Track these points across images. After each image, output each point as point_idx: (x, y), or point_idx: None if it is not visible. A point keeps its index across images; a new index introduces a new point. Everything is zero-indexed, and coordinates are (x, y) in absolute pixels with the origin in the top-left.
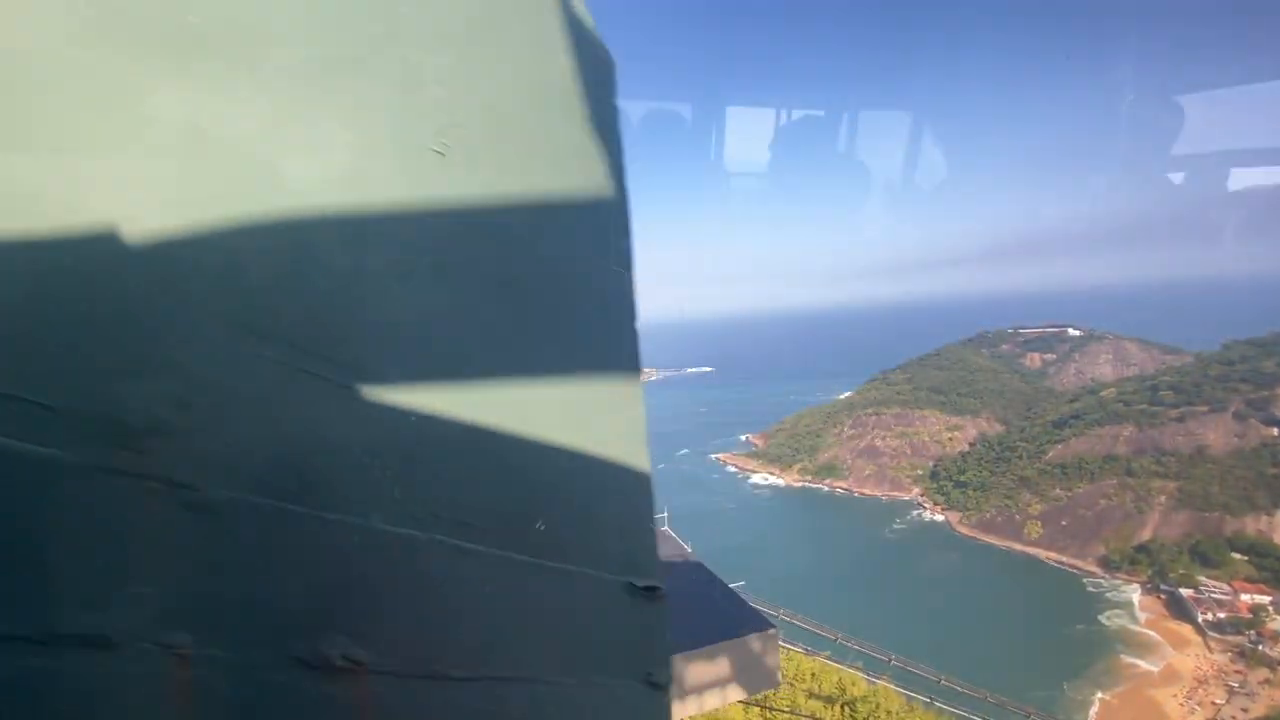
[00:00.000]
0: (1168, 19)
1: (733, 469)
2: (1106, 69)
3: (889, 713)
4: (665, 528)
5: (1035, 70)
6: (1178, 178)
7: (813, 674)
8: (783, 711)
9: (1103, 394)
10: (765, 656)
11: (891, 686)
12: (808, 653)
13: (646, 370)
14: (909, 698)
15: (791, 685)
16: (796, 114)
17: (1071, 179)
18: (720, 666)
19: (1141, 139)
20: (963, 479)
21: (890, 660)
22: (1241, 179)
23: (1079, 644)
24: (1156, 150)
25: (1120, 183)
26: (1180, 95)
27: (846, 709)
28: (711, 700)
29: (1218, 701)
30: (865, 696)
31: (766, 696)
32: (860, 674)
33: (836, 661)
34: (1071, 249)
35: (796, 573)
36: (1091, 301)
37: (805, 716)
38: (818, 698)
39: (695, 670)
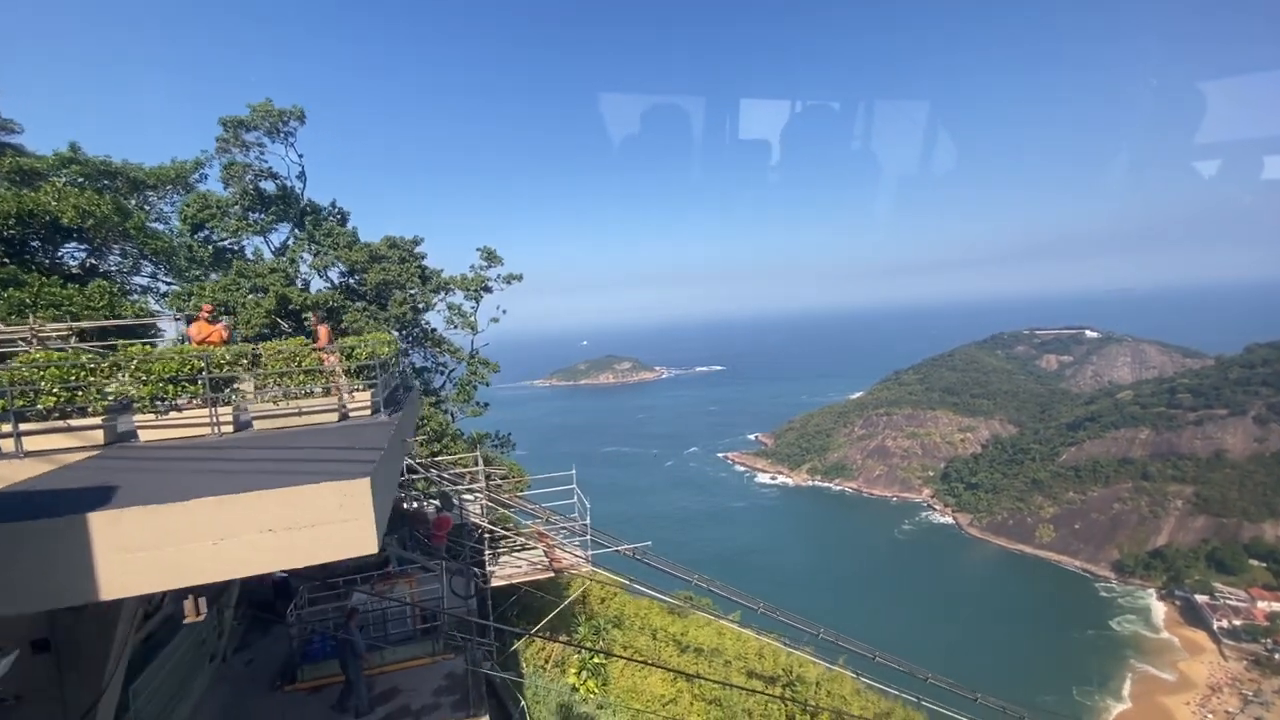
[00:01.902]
0: (1193, 10)
1: (741, 467)
2: (1127, 64)
3: (830, 694)
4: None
5: (1054, 68)
6: (1202, 170)
7: (759, 654)
8: (709, 680)
9: (1119, 396)
10: (346, 512)
11: (845, 672)
12: (753, 631)
13: (657, 368)
14: (868, 685)
15: (728, 664)
16: (810, 114)
17: (1092, 178)
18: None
19: (1164, 135)
20: (974, 480)
21: (819, 634)
22: (1271, 169)
23: (1090, 649)
24: (1179, 145)
25: (1142, 182)
26: (1204, 82)
27: (786, 689)
28: (289, 555)
29: (1231, 710)
30: (817, 681)
31: (700, 671)
32: (813, 658)
33: (791, 646)
34: (1091, 250)
35: (802, 574)
36: (1111, 304)
37: (731, 686)
38: (759, 677)
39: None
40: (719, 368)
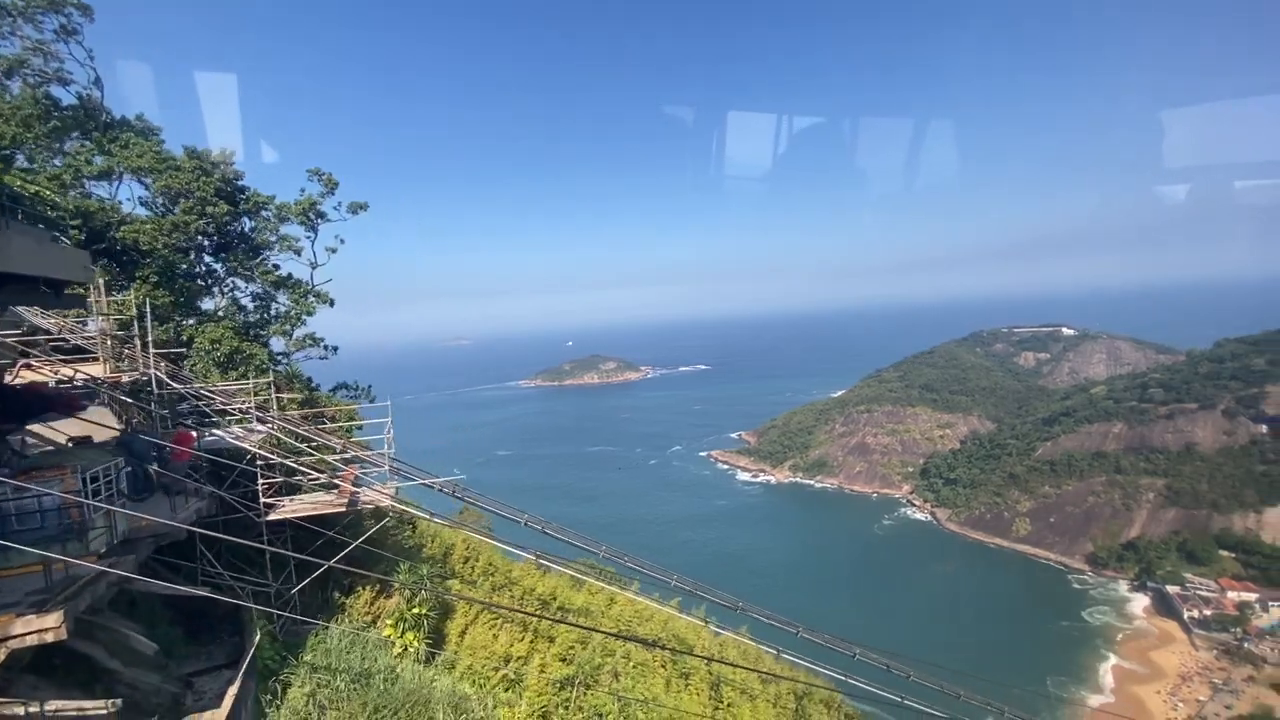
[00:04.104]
0: (1172, 29)
1: (724, 465)
2: (1107, 77)
3: (712, 653)
4: None
5: (1036, 75)
6: (1174, 188)
7: (649, 618)
8: (556, 621)
9: (1093, 391)
10: None
11: (745, 639)
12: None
13: (642, 368)
14: (775, 653)
15: (620, 627)
16: (797, 118)
17: (1070, 182)
18: None
19: (1142, 145)
20: (953, 476)
21: (672, 582)
22: (1240, 188)
23: (1064, 640)
24: (1156, 156)
25: (1118, 186)
26: (1180, 107)
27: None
28: None
29: (1201, 698)
30: (705, 645)
31: (560, 630)
32: (717, 626)
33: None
34: (1068, 249)
35: (781, 571)
36: (1087, 302)
37: (587, 629)
38: (636, 640)
39: None
40: (704, 367)
